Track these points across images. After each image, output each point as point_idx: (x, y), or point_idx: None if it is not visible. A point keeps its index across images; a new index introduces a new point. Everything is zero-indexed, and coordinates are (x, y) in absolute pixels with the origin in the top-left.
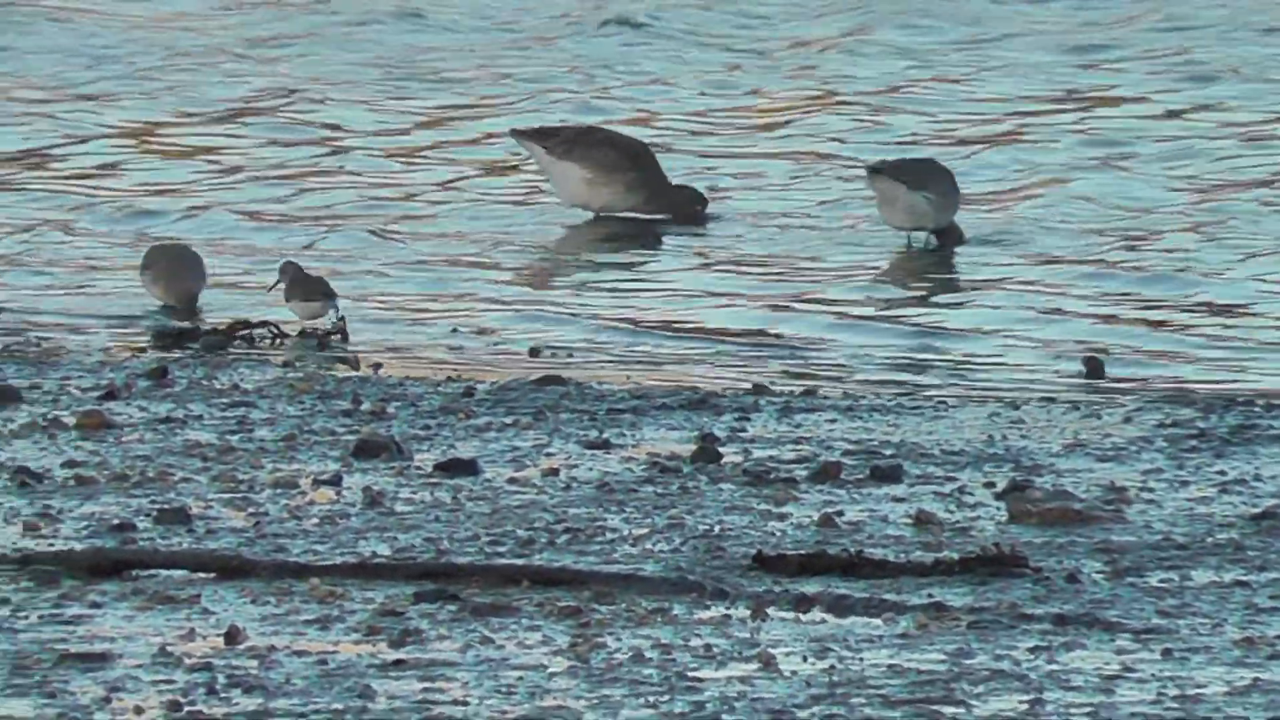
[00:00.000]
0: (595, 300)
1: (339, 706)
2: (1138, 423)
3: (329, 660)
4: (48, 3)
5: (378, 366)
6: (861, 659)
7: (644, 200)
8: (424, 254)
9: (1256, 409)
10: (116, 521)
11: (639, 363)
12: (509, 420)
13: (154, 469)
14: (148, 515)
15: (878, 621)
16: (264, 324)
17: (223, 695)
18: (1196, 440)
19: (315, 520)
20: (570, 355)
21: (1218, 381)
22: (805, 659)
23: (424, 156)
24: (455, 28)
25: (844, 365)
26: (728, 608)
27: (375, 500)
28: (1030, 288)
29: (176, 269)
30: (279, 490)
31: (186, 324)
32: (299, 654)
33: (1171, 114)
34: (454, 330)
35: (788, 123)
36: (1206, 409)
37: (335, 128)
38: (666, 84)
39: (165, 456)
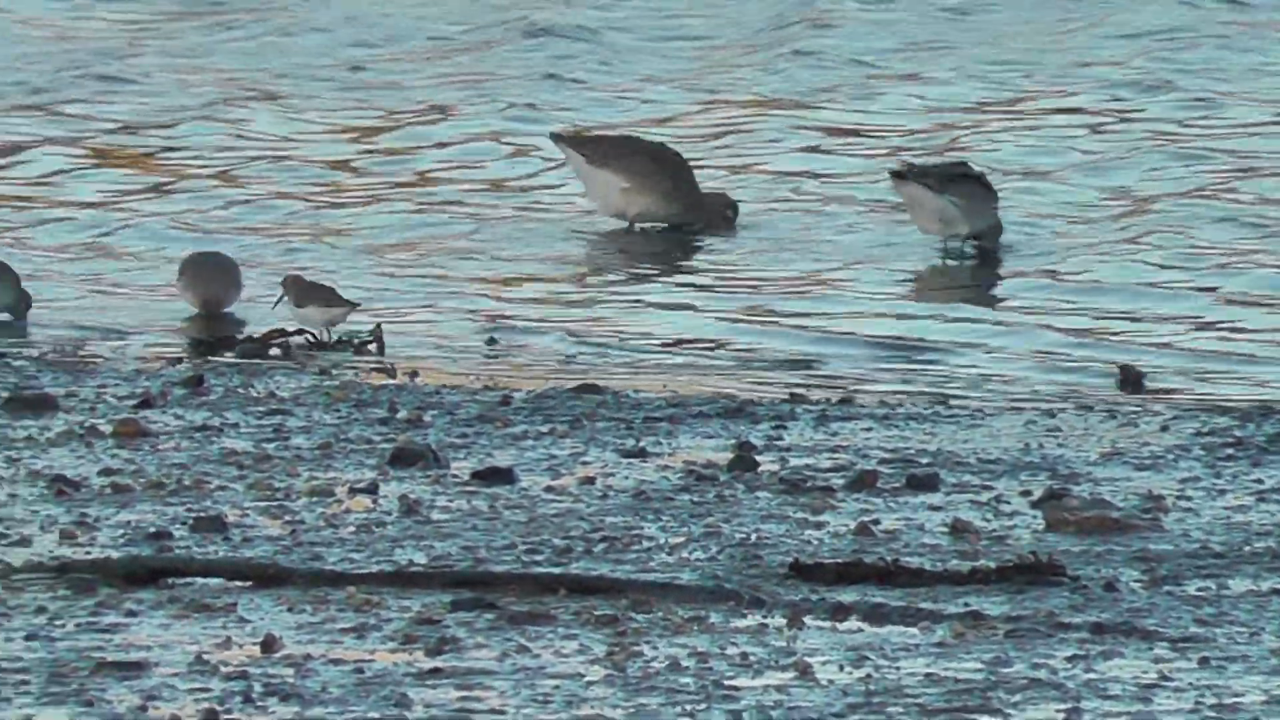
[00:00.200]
0: (631, 307)
1: (375, 715)
2: (1175, 431)
3: (365, 669)
4: None
5: (414, 375)
6: (898, 668)
7: (679, 210)
8: (448, 266)
9: None
10: (153, 530)
11: (675, 369)
12: (546, 428)
13: (190, 477)
14: (184, 523)
15: (914, 630)
16: (300, 332)
17: (259, 704)
18: (1234, 449)
19: (352, 528)
20: (606, 362)
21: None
22: (842, 668)
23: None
24: (398, 36)
25: (877, 372)
26: (764, 616)
27: (412, 508)
28: (1062, 297)
29: (206, 277)
30: (315, 498)
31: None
32: (335, 662)
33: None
34: (490, 340)
35: (728, 132)
36: (1244, 418)
37: (275, 136)
38: (609, 91)
39: (201, 464)
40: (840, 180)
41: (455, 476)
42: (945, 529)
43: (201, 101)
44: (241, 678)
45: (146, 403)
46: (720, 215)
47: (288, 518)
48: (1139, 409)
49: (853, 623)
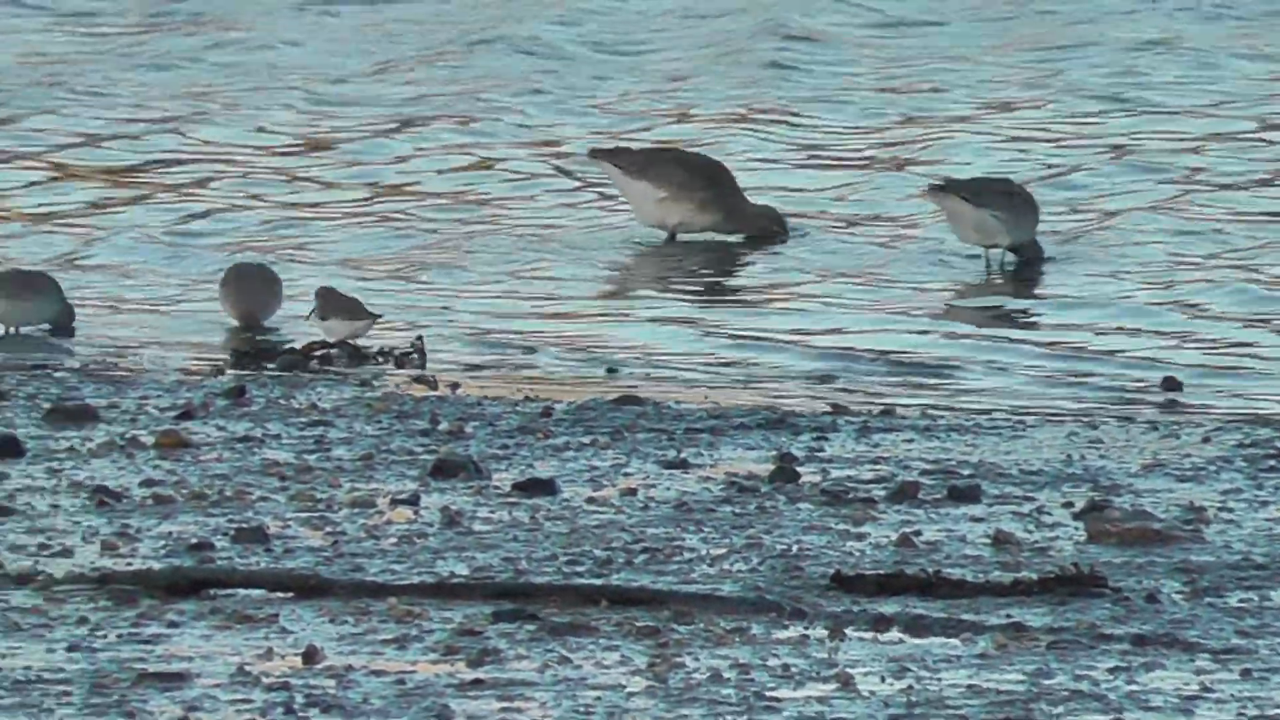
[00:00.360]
0: (673, 320)
1: None
2: (1216, 442)
3: (407, 680)
4: None
5: (455, 386)
6: (940, 679)
7: (720, 220)
8: (495, 273)
9: None
10: (194, 541)
11: (717, 379)
12: (587, 440)
13: (231, 488)
14: (225, 534)
15: (956, 641)
16: (341, 345)
17: (301, 715)
18: (1275, 460)
19: (393, 540)
20: (647, 375)
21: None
22: (883, 679)
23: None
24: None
25: (921, 384)
26: (806, 628)
27: (453, 520)
28: (1104, 304)
29: (244, 288)
30: (357, 509)
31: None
32: (377, 673)
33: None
34: (532, 350)
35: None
36: None
37: (243, 148)
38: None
39: (243, 475)
40: (814, 194)
41: (497, 488)
42: (987, 540)
43: (166, 115)
44: (283, 689)
45: (188, 414)
46: (767, 229)
47: (329, 529)
48: (1180, 420)
49: (894, 634)
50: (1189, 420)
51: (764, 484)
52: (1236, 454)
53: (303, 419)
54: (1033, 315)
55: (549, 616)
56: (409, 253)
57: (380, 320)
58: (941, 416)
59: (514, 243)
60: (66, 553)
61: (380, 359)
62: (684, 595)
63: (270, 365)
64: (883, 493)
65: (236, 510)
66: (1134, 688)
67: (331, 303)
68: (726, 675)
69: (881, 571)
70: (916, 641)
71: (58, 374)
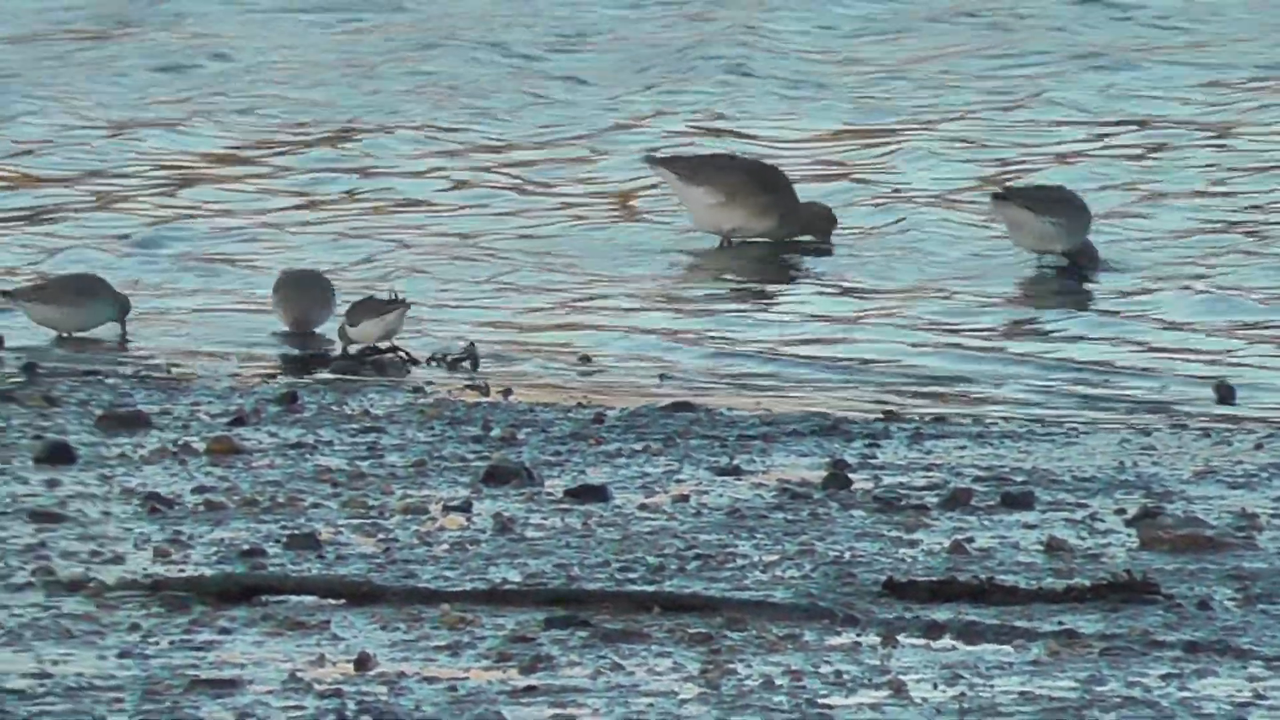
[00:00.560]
0: (725, 326)
1: None
2: (1269, 449)
3: (459, 687)
4: None
5: (508, 392)
6: (992, 686)
7: (776, 223)
8: (551, 281)
9: None
10: (246, 547)
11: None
12: (639, 446)
13: (284, 494)
14: (277, 541)
15: (1009, 648)
16: (393, 349)
17: None
18: None
19: (445, 546)
20: (700, 381)
21: None
22: (936, 686)
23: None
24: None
25: (976, 392)
26: (858, 634)
27: (505, 526)
28: (1154, 311)
29: (294, 295)
30: (409, 516)
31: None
32: (429, 680)
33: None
34: (584, 358)
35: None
36: None
37: (194, 155)
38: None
39: (295, 482)
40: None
41: (549, 494)
42: (1040, 547)
43: (115, 121)
44: (335, 696)
45: (240, 420)
46: (823, 229)
47: (381, 535)
48: (1233, 427)
49: (947, 641)
50: (1241, 427)
51: (817, 491)
52: None
53: (355, 425)
54: (1077, 321)
55: (601, 623)
56: (437, 264)
57: (410, 307)
58: (994, 423)
59: (535, 255)
60: (118, 559)
61: (433, 363)
62: (736, 602)
63: (323, 370)
64: (935, 499)
65: (288, 517)
66: (1186, 694)
67: (355, 309)
68: (779, 682)
69: (934, 578)
70: (969, 648)
71: (109, 380)
